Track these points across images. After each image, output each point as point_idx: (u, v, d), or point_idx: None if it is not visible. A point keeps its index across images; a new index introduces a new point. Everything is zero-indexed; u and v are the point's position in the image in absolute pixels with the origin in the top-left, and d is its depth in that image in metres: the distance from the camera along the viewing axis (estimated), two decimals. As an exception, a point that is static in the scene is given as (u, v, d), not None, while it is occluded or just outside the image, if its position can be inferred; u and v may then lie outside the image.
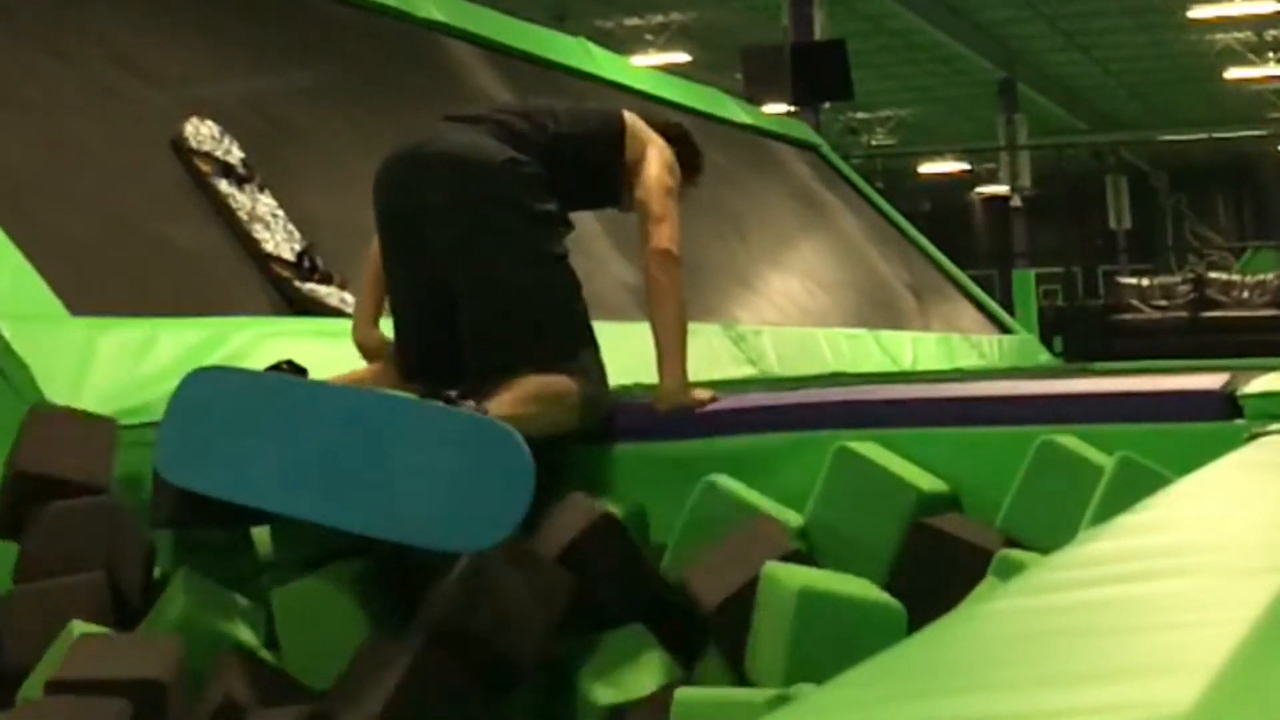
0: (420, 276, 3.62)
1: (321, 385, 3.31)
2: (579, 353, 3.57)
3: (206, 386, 3.22)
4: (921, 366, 8.83)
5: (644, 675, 3.06)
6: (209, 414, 3.18)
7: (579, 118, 3.84)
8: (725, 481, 3.38)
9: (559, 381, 3.45)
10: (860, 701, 0.96)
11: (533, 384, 3.39)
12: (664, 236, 3.66)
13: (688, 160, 3.94)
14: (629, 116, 3.89)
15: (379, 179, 3.67)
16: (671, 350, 3.65)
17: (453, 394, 3.13)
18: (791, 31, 15.59)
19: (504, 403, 3.25)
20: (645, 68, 11.73)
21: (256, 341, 4.32)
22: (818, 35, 15.61)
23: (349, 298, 5.08)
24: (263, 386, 3.20)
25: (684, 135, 4.01)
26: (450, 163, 3.55)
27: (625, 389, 4.23)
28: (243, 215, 5.02)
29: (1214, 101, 27.59)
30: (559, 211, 3.64)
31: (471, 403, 3.12)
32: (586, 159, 3.75)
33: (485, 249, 3.52)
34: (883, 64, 22.98)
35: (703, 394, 3.74)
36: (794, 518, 3.33)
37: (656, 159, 3.79)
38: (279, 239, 5.07)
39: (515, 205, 3.54)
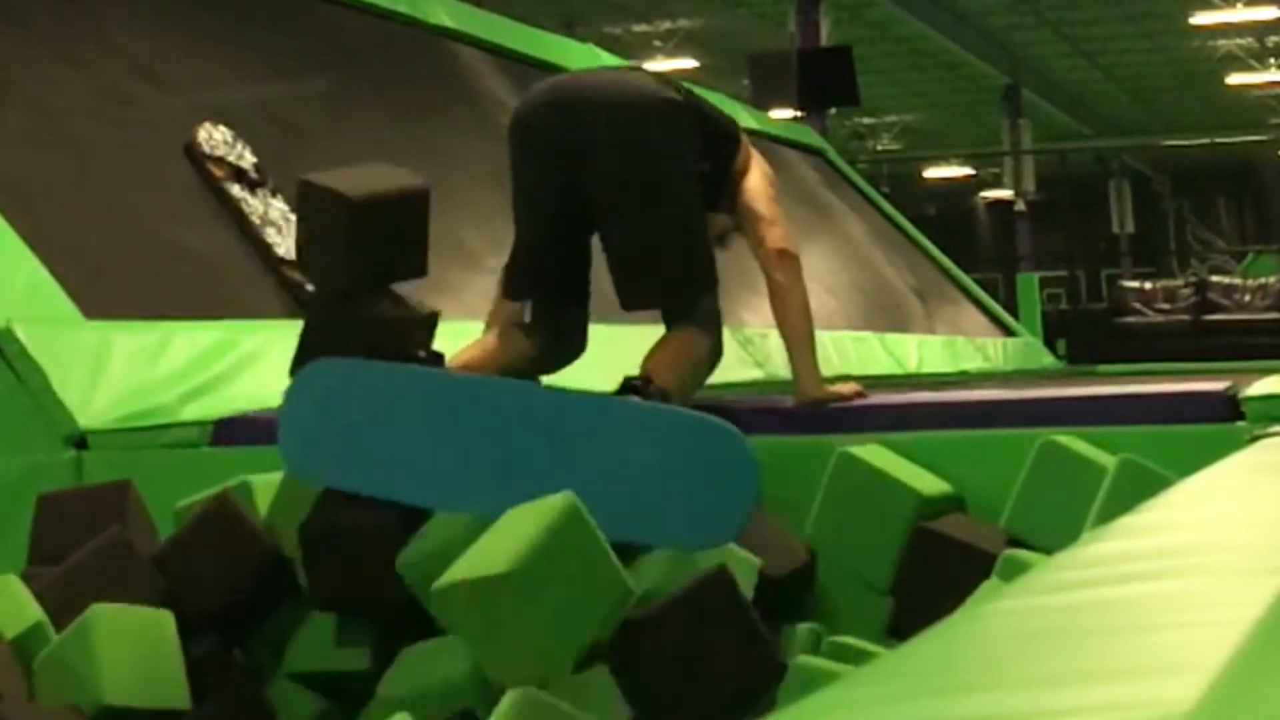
0: (560, 199, 3.60)
1: (502, 382, 3.24)
2: (714, 291, 3.63)
3: (333, 378, 3.11)
4: (926, 369, 8.83)
5: None
6: (341, 407, 3.06)
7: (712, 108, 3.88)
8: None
9: (699, 344, 3.53)
10: (864, 701, 0.96)
11: (681, 348, 3.49)
12: (778, 237, 3.69)
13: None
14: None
15: (526, 115, 3.66)
16: (801, 348, 3.64)
17: (635, 382, 3.23)
18: (798, 38, 15.60)
19: (668, 379, 3.35)
20: (651, 72, 11.73)
21: (269, 344, 4.35)
22: (824, 41, 15.63)
23: (360, 301, 5.11)
24: (429, 382, 3.11)
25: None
26: (615, 98, 3.60)
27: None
28: (255, 219, 5.05)
29: (1216, 107, 27.60)
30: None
31: (653, 388, 3.23)
32: (712, 148, 3.74)
33: (648, 178, 3.55)
34: (888, 70, 22.98)
35: (844, 388, 3.73)
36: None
37: (759, 171, 3.83)
38: (291, 243, 5.09)
39: (680, 142, 3.60)
